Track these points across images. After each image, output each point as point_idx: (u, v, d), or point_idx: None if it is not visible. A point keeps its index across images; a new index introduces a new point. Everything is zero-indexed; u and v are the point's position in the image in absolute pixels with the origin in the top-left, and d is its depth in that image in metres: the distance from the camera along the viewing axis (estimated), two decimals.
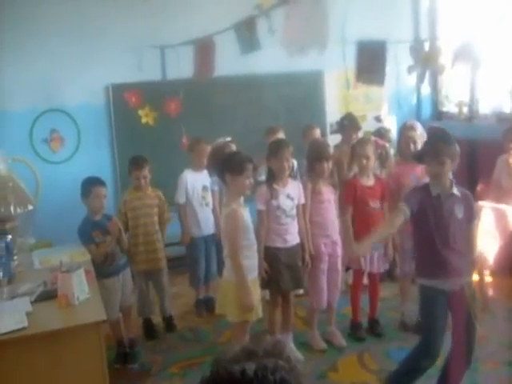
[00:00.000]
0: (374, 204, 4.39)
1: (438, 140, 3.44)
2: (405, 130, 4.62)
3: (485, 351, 3.98)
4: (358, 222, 4.38)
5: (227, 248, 3.61)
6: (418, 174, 4.28)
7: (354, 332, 4.51)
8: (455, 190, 3.37)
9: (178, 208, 5.05)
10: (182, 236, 5.12)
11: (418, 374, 3.37)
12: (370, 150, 4.39)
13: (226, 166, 3.58)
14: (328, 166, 4.29)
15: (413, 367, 3.40)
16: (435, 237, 3.33)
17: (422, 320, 3.55)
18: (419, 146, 4.33)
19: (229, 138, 5.16)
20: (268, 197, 4.07)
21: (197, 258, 5.12)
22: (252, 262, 3.68)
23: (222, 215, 3.66)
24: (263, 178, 4.45)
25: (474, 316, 3.33)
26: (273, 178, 4.12)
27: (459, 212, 3.34)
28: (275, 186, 4.10)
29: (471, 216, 3.44)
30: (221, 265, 4.25)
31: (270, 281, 4.07)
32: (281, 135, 5.36)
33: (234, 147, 5.03)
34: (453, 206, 3.33)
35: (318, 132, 5.73)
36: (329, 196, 4.35)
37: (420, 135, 4.49)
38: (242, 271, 3.54)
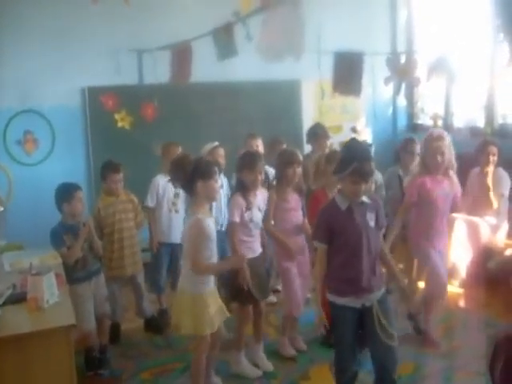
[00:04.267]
0: None
1: (365, 159, 3.18)
2: (431, 141, 4.26)
3: (458, 362, 4.05)
4: None
5: (188, 257, 3.46)
6: (447, 188, 4.24)
7: (328, 338, 4.32)
8: (365, 198, 3.22)
9: (146, 212, 4.95)
10: (150, 241, 5.04)
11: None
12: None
13: (196, 172, 3.45)
14: (298, 171, 4.26)
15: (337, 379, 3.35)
16: (348, 252, 3.17)
17: (334, 335, 3.41)
18: (447, 156, 4.18)
19: (216, 143, 5.07)
20: (244, 209, 3.99)
21: (159, 264, 5.03)
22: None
23: (186, 224, 3.53)
24: None
25: (384, 334, 3.12)
26: (245, 189, 4.02)
27: (371, 220, 3.20)
28: (249, 198, 4.03)
29: (381, 223, 3.28)
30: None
31: (238, 293, 3.97)
32: (260, 143, 5.32)
33: (222, 152, 4.98)
34: (364, 214, 3.19)
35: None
36: (296, 203, 4.31)
37: (448, 145, 4.22)
38: (210, 269, 3.52)
